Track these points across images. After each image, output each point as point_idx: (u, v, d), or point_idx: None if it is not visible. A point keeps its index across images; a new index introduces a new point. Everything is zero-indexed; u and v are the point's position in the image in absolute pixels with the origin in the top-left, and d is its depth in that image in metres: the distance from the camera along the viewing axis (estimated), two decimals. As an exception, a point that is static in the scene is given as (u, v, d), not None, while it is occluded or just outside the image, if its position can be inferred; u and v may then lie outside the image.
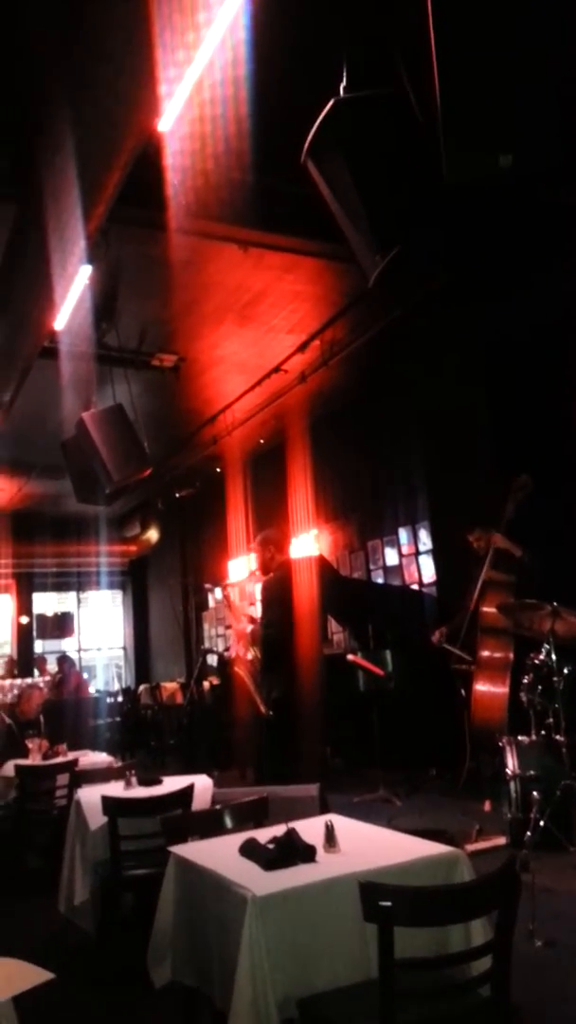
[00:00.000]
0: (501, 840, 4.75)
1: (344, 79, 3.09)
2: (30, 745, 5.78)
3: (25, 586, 16.31)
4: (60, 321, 6.11)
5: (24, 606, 16.36)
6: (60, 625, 16.77)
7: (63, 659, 13.00)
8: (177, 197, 5.21)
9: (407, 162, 3.03)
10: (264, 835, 2.53)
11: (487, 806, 5.61)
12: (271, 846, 2.41)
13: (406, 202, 3.04)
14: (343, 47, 3.17)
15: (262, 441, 11.19)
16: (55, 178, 4.37)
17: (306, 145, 3.10)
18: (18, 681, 9.71)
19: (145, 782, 4.22)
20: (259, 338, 8.28)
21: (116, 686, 15.57)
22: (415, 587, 8.73)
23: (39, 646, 16.32)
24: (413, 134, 2.99)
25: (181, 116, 4.43)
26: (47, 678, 11.15)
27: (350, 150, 3.03)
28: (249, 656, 7.61)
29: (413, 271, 5.80)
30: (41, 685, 8.08)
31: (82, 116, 3.98)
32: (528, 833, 4.43)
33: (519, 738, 4.83)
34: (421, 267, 5.87)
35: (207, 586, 13.04)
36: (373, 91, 3.02)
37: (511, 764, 4.80)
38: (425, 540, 8.67)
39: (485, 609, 5.85)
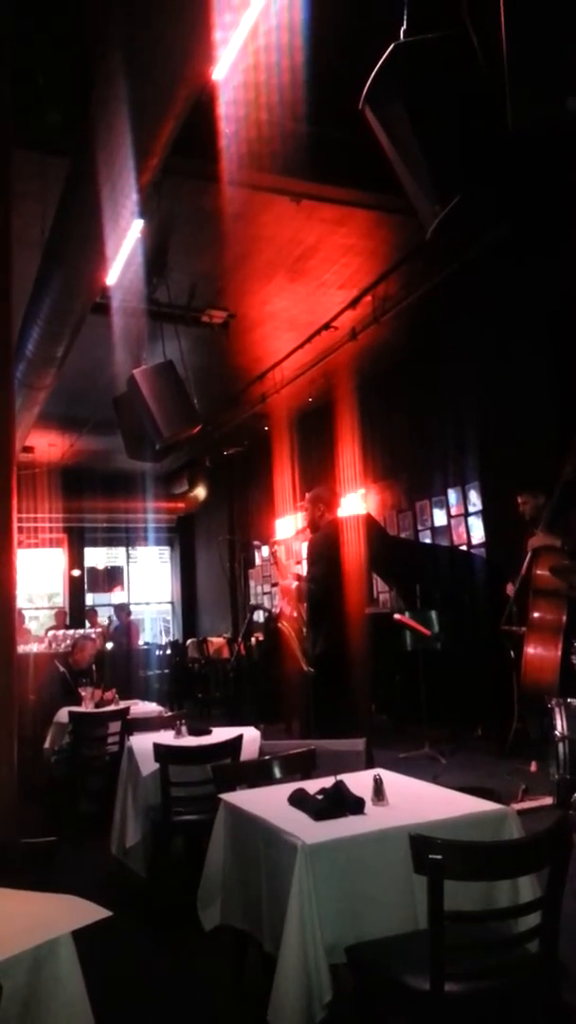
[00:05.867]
0: (547, 800, 4.75)
1: (405, 22, 2.98)
2: (83, 693, 5.93)
3: (76, 540, 16.66)
4: (112, 276, 6.09)
5: (75, 560, 16.73)
6: (110, 579, 17.13)
7: (122, 608, 13.13)
8: (230, 148, 5.13)
9: (469, 108, 2.92)
10: (312, 787, 2.56)
11: (533, 767, 5.61)
12: (320, 797, 2.44)
13: (467, 150, 2.93)
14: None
15: (310, 400, 11.12)
16: (108, 130, 4.32)
17: (365, 91, 3.00)
18: (71, 632, 9.93)
19: (195, 732, 4.30)
20: (310, 294, 8.18)
21: (163, 639, 15.89)
22: (464, 548, 8.66)
23: (89, 599, 16.70)
24: (476, 79, 2.88)
25: (235, 64, 4.33)
26: (98, 629, 11.39)
27: (410, 96, 2.92)
28: (294, 613, 7.66)
29: (472, 223, 5.65)
30: (93, 636, 8.26)
31: (136, 66, 3.90)
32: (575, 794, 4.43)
33: (569, 700, 4.80)
34: (481, 219, 5.71)
35: (254, 543, 13.12)
36: (435, 34, 2.91)
37: (560, 726, 4.77)
38: (475, 501, 8.57)
39: (538, 572, 5.77)
